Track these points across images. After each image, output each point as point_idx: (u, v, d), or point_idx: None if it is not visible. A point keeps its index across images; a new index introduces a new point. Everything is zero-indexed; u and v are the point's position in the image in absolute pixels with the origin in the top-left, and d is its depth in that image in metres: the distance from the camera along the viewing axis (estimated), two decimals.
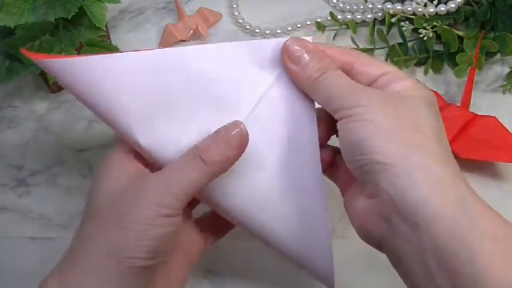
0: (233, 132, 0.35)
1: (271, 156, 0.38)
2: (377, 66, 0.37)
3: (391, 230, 0.33)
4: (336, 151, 0.40)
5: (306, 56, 0.36)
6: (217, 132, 0.36)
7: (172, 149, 0.37)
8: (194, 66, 0.38)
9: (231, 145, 0.35)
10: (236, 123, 0.36)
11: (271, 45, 0.38)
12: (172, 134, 0.37)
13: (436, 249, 0.30)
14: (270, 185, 0.38)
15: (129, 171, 0.37)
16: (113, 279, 0.33)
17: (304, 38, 0.38)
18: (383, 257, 0.35)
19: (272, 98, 0.38)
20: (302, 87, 0.37)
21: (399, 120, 0.33)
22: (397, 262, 0.33)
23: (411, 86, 0.35)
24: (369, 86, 0.36)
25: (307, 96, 0.37)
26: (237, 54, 0.38)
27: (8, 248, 0.48)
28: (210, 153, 0.35)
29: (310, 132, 0.37)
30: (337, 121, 0.35)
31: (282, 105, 0.38)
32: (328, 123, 0.38)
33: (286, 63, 0.37)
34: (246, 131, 0.36)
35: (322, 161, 0.38)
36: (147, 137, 0.37)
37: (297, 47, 0.37)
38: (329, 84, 0.36)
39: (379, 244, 0.34)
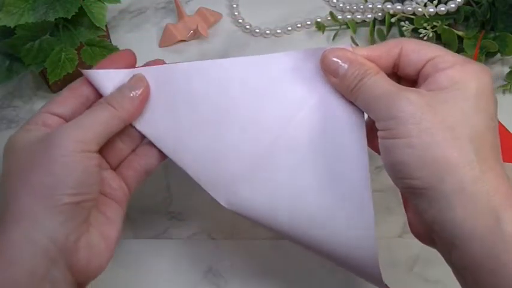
0: (134, 80, 0.39)
1: (317, 165, 0.37)
2: (422, 52, 0.35)
3: (436, 245, 0.34)
4: None
5: (343, 66, 0.36)
6: (123, 84, 0.39)
7: (208, 151, 0.39)
8: (238, 76, 0.38)
9: (133, 89, 0.39)
10: (137, 76, 0.39)
11: (312, 54, 0.38)
12: (216, 138, 0.39)
13: (473, 268, 0.31)
14: (317, 192, 0.37)
15: (42, 131, 0.37)
16: (46, 219, 0.34)
17: (342, 46, 0.37)
18: None
19: (315, 106, 0.38)
20: (345, 96, 0.37)
21: (435, 130, 0.32)
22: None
23: (457, 75, 0.34)
24: (417, 75, 0.36)
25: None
26: (279, 64, 0.38)
27: None
28: (117, 99, 0.38)
29: (357, 139, 0.37)
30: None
31: (326, 112, 0.37)
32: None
33: (326, 75, 0.37)
34: (147, 82, 0.39)
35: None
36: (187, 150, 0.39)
37: (334, 58, 0.36)
38: (365, 92, 0.35)
39: (430, 245, 0.36)
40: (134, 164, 0.41)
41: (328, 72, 0.37)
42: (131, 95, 0.38)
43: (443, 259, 0.36)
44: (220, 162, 0.39)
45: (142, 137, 0.41)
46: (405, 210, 0.37)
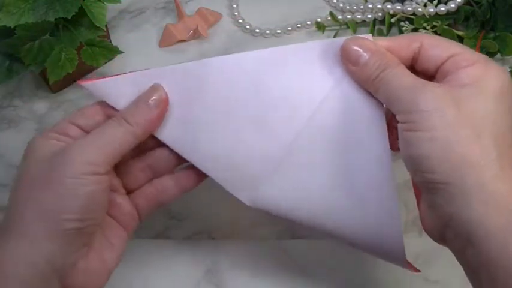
0: (153, 97, 0.38)
1: (339, 158, 0.37)
2: (443, 48, 0.35)
3: (448, 242, 0.34)
4: None
5: (364, 55, 0.36)
6: (139, 97, 0.38)
7: (229, 150, 0.38)
8: (253, 71, 0.38)
9: (151, 107, 0.37)
10: (155, 87, 0.38)
11: (329, 45, 0.37)
12: (238, 135, 0.38)
13: (489, 266, 0.31)
14: (340, 185, 0.37)
15: (60, 144, 0.37)
16: (46, 241, 0.34)
17: (363, 36, 0.37)
18: None
19: (335, 99, 0.37)
20: (364, 87, 0.37)
21: (458, 126, 0.32)
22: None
23: (478, 74, 0.34)
24: (436, 71, 0.35)
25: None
26: (296, 56, 0.38)
27: None
28: (133, 114, 0.37)
29: (378, 130, 0.37)
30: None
31: (346, 105, 0.37)
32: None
33: (346, 64, 0.37)
34: (166, 94, 0.38)
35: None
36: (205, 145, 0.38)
37: (355, 47, 0.36)
38: (388, 84, 0.35)
39: (443, 244, 0.35)
40: (149, 194, 0.40)
41: (349, 61, 0.36)
42: (148, 109, 0.37)
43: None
44: (240, 162, 0.38)
45: (166, 169, 0.40)
46: (418, 206, 0.37)
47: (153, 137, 0.39)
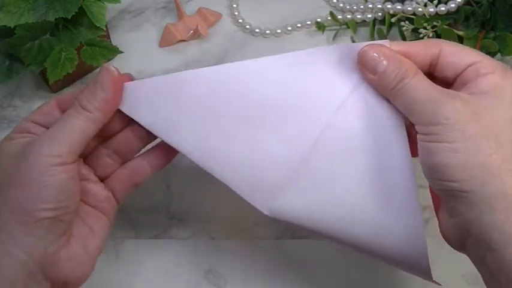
0: (105, 77, 0.37)
1: (359, 166, 0.37)
2: (462, 55, 0.35)
3: (467, 249, 0.34)
4: None
5: (382, 63, 0.35)
6: (92, 81, 0.38)
7: (246, 159, 0.38)
8: (269, 76, 0.37)
9: (105, 88, 0.37)
10: (105, 68, 0.38)
11: (347, 50, 0.37)
12: (254, 144, 0.38)
13: (508, 271, 0.31)
14: (361, 193, 0.37)
15: (24, 140, 0.37)
16: (23, 233, 0.34)
17: (381, 42, 0.37)
18: None
19: (353, 104, 0.37)
20: (382, 94, 0.36)
21: (479, 137, 0.32)
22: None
23: (498, 82, 0.34)
24: (455, 78, 0.35)
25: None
26: (313, 61, 0.37)
27: None
28: (89, 100, 0.37)
29: (398, 136, 0.36)
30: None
31: (365, 111, 0.37)
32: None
33: (363, 72, 0.36)
34: (117, 72, 0.38)
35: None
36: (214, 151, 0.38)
37: (373, 54, 0.36)
38: (407, 93, 0.35)
39: (462, 251, 0.35)
40: (123, 176, 0.41)
41: (367, 69, 0.36)
42: (104, 94, 0.37)
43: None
44: (257, 171, 0.38)
45: (131, 153, 0.41)
46: (436, 214, 0.37)
47: (115, 121, 0.39)
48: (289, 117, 0.37)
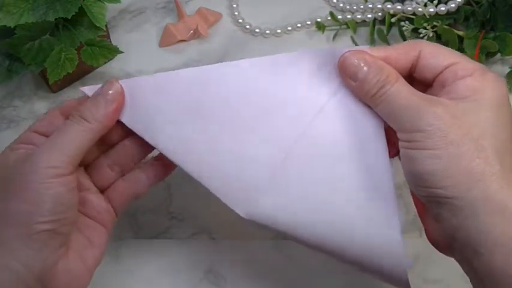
0: (110, 91, 0.37)
1: (338, 169, 0.37)
2: (441, 57, 0.35)
3: (455, 254, 0.34)
4: None
5: (362, 70, 0.35)
6: (95, 93, 0.38)
7: (224, 160, 0.38)
8: (251, 78, 0.37)
9: (108, 101, 0.37)
10: (110, 82, 0.38)
11: (328, 55, 0.37)
12: (233, 145, 0.38)
13: (496, 275, 0.31)
14: (339, 196, 0.37)
15: (26, 152, 0.37)
16: (22, 246, 0.34)
17: (361, 48, 0.36)
18: None
19: (333, 108, 0.37)
20: (363, 101, 0.36)
21: (461, 143, 0.32)
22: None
23: (477, 85, 0.34)
24: (434, 79, 0.35)
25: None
26: (294, 65, 0.37)
27: None
28: (91, 112, 0.37)
29: (378, 141, 0.36)
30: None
31: (344, 115, 0.37)
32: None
33: (344, 78, 0.36)
34: (121, 87, 0.38)
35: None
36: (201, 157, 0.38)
37: (353, 61, 0.36)
38: (388, 101, 0.35)
39: (449, 255, 0.35)
40: (122, 189, 0.41)
41: (347, 75, 0.36)
42: (108, 107, 0.37)
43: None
44: (236, 173, 0.38)
45: (131, 162, 0.41)
46: (421, 219, 0.37)
47: (116, 131, 0.39)
48: (270, 119, 0.37)
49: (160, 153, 0.39)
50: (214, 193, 0.38)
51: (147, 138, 0.39)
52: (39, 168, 0.34)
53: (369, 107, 0.36)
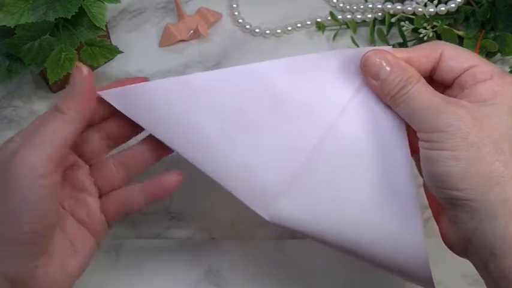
0: (76, 77, 0.36)
1: (359, 171, 0.37)
2: (461, 59, 0.36)
3: (470, 256, 0.34)
4: None
5: (385, 70, 0.35)
6: (68, 84, 0.36)
7: (246, 164, 0.38)
8: (270, 80, 0.37)
9: (77, 87, 0.36)
10: (76, 67, 0.36)
11: (349, 55, 0.37)
12: (253, 148, 0.37)
13: (510, 278, 0.31)
14: (362, 197, 0.37)
15: (7, 153, 0.35)
16: (6, 248, 0.33)
17: (384, 48, 0.36)
18: None
19: (354, 109, 0.37)
20: (384, 100, 0.36)
21: (482, 145, 0.32)
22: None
23: (496, 89, 0.34)
24: (453, 81, 0.36)
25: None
26: (314, 66, 0.37)
27: None
28: (64, 101, 0.35)
29: (399, 141, 0.36)
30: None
31: (366, 116, 0.37)
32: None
33: (366, 77, 0.36)
34: (88, 70, 0.36)
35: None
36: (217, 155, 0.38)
37: (376, 60, 0.36)
38: (408, 101, 0.35)
39: (464, 257, 0.35)
40: (118, 200, 0.39)
41: (369, 74, 0.36)
42: (75, 91, 0.36)
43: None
44: (258, 175, 0.38)
45: (142, 170, 0.40)
46: (436, 221, 0.37)
47: (127, 128, 0.39)
48: (290, 122, 0.37)
49: (159, 174, 0.39)
50: (237, 196, 0.38)
51: (166, 141, 0.38)
52: (21, 168, 0.33)
53: (390, 109, 0.36)
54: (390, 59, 0.36)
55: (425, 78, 0.36)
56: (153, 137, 0.39)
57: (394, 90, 0.35)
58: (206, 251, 0.48)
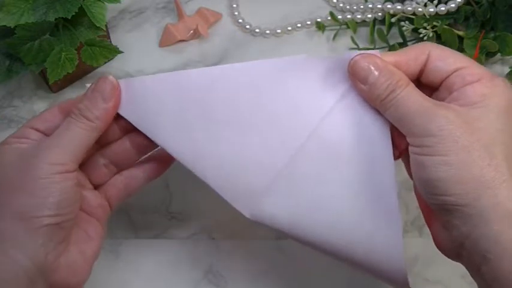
0: (105, 86, 0.38)
1: (342, 173, 0.37)
2: (449, 60, 0.35)
3: (463, 259, 0.34)
4: None
5: (373, 74, 0.35)
6: (91, 89, 0.38)
7: (230, 161, 0.38)
8: (258, 81, 0.37)
9: (105, 98, 0.38)
10: (103, 78, 0.38)
11: (336, 60, 0.37)
12: (237, 146, 0.38)
13: (503, 280, 0.31)
14: (343, 200, 0.37)
15: (23, 146, 0.37)
16: (27, 239, 0.34)
17: (371, 52, 0.36)
18: None
19: (339, 113, 0.37)
20: (373, 105, 0.36)
21: (472, 149, 0.32)
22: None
23: (486, 91, 0.34)
24: (440, 83, 0.35)
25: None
26: (301, 69, 0.37)
27: None
28: (90, 110, 0.37)
29: (383, 145, 0.36)
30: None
31: (351, 120, 0.37)
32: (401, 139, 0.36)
33: (354, 82, 0.36)
34: (116, 81, 0.38)
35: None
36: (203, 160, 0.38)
37: (364, 65, 0.35)
38: (398, 105, 0.34)
39: (457, 261, 0.35)
40: (119, 184, 0.41)
41: (357, 79, 0.36)
42: (105, 104, 0.38)
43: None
44: (241, 174, 0.38)
45: (127, 164, 0.41)
46: (428, 225, 0.37)
47: (114, 129, 0.40)
48: (275, 122, 0.37)
49: (157, 150, 0.39)
50: (219, 193, 0.38)
51: (151, 136, 0.39)
52: (44, 164, 0.35)
53: (376, 111, 0.36)
54: (379, 63, 0.35)
55: (413, 81, 0.36)
56: (139, 133, 0.39)
57: (384, 94, 0.35)
58: (206, 251, 0.48)
